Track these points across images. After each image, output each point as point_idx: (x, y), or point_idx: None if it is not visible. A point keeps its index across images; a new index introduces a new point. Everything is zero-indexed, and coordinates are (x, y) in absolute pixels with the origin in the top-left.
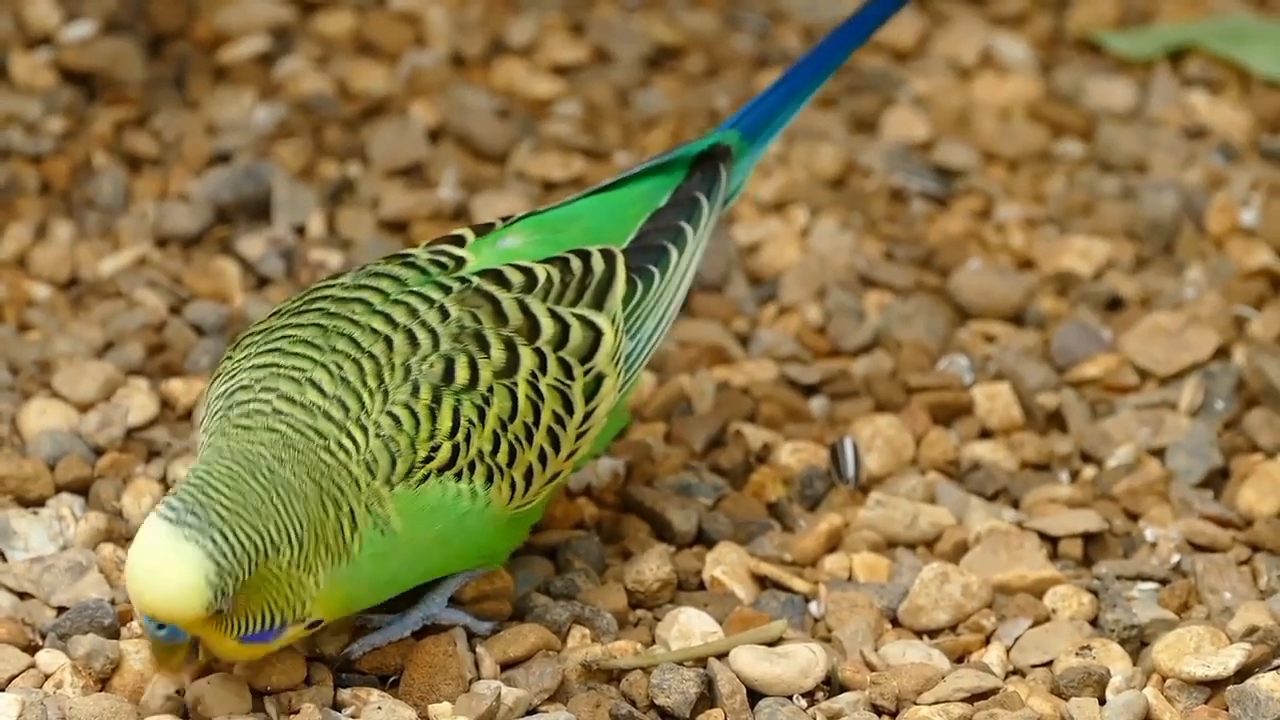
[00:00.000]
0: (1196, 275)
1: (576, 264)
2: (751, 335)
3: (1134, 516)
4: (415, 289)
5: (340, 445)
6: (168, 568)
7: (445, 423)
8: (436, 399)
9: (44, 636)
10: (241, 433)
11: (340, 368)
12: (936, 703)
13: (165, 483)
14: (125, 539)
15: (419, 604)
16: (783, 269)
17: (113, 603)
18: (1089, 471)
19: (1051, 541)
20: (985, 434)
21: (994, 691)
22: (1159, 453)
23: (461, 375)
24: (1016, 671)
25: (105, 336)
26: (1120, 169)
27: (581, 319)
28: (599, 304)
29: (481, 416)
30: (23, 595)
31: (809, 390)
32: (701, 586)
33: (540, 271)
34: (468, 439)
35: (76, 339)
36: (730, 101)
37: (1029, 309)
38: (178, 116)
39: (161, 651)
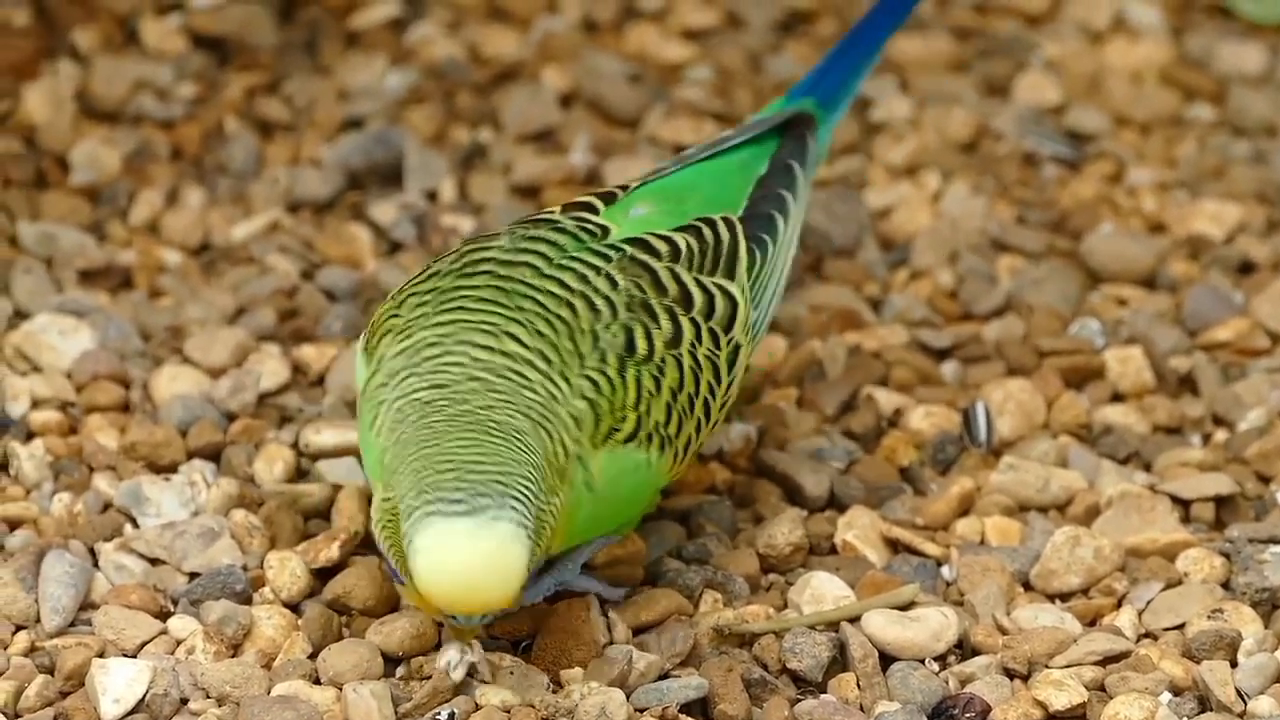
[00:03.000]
0: None
1: (708, 233)
2: (883, 299)
3: (1265, 479)
4: (576, 255)
5: (546, 389)
6: (493, 562)
7: (631, 393)
8: (622, 368)
9: (175, 602)
10: (440, 391)
11: (533, 324)
12: (1068, 666)
13: (297, 448)
14: (256, 504)
15: (552, 570)
16: (914, 233)
17: (244, 568)
18: (1220, 435)
19: (1183, 505)
20: (1117, 397)
21: (1126, 655)
22: None
23: (641, 346)
24: (1148, 635)
25: (237, 302)
26: (1251, 133)
27: (721, 289)
28: (731, 273)
29: (658, 387)
30: (154, 561)
31: (941, 354)
32: (833, 550)
33: (680, 241)
34: (648, 410)
35: (208, 305)
36: None
37: (1160, 273)
38: (309, 82)
39: (469, 631)
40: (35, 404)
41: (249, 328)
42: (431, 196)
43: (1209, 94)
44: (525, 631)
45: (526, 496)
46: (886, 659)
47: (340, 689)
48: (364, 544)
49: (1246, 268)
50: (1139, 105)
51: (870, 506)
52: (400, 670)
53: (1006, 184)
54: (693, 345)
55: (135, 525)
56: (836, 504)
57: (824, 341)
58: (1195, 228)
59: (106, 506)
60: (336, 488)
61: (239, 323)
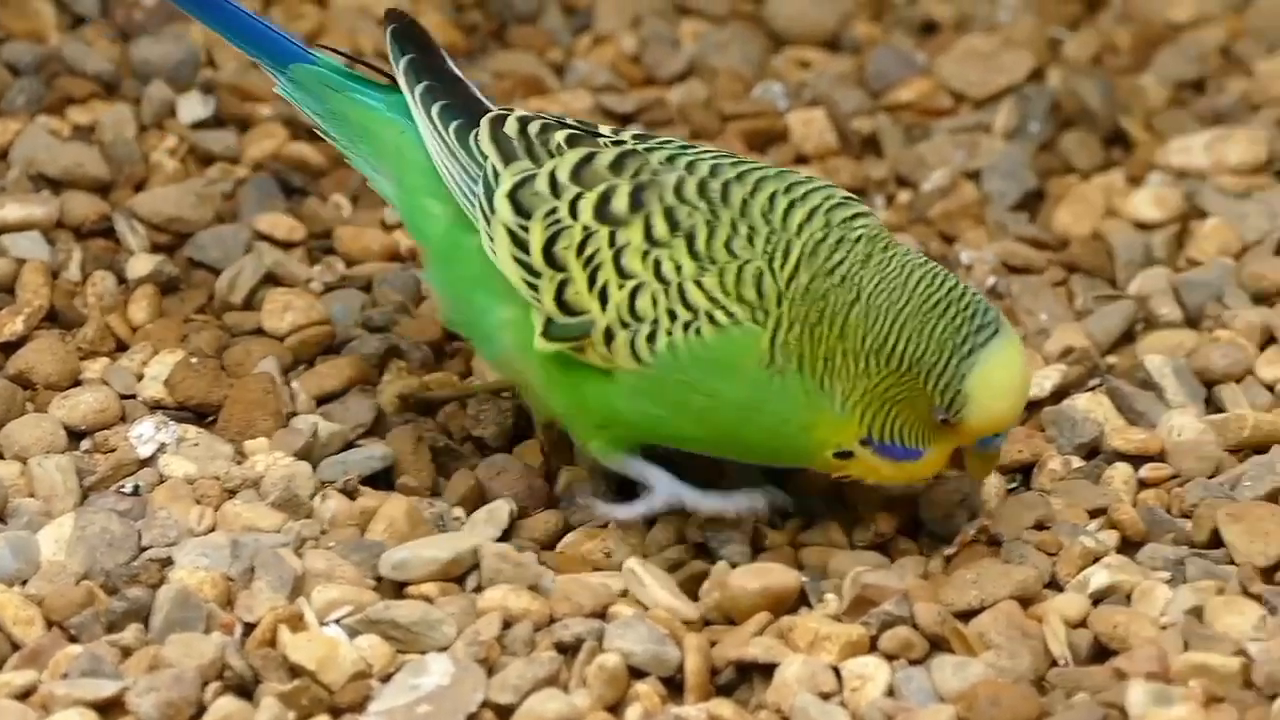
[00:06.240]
0: None
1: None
2: (567, 65)
3: (950, 239)
4: (664, 168)
5: None
6: (1029, 368)
7: None
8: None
9: None
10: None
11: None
12: None
13: None
14: None
15: None
16: None
17: None
18: (904, 195)
19: None
20: (801, 159)
21: None
22: (974, 175)
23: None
24: None
25: None
26: None
27: None
28: None
29: None
30: None
31: (625, 119)
32: None
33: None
34: None
35: None
36: None
37: (844, 34)
38: None
39: (993, 464)
40: None
41: None
42: None
43: None
44: (212, 403)
45: None
46: None
47: (25, 462)
48: (47, 318)
49: (929, 28)
50: None
51: None
52: (85, 444)
53: None
54: None
55: None
56: None
57: None
58: None
59: None
60: (20, 262)
61: None
